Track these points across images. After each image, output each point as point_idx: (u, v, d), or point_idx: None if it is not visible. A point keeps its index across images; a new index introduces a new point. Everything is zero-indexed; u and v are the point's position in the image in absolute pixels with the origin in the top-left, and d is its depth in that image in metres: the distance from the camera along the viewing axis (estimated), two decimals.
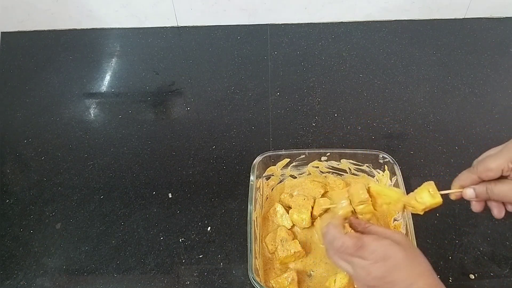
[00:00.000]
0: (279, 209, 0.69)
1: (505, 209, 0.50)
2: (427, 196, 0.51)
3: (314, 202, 0.69)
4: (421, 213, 0.52)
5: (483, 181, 0.49)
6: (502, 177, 0.48)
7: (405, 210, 0.54)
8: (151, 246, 0.69)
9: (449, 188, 0.51)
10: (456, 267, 0.65)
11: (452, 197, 0.51)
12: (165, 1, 1.04)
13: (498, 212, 0.50)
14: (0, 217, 0.74)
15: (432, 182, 0.52)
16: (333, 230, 0.51)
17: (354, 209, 0.54)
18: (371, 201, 0.54)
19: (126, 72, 1.00)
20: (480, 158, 0.50)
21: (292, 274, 0.61)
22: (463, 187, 0.50)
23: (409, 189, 0.72)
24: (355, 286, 0.57)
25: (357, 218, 0.55)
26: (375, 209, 0.54)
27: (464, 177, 0.50)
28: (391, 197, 0.53)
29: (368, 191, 0.54)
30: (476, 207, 0.51)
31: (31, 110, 0.92)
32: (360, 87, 0.93)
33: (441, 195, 0.51)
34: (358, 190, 0.53)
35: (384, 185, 0.61)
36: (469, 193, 0.50)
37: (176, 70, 1.00)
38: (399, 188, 0.65)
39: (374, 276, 0.47)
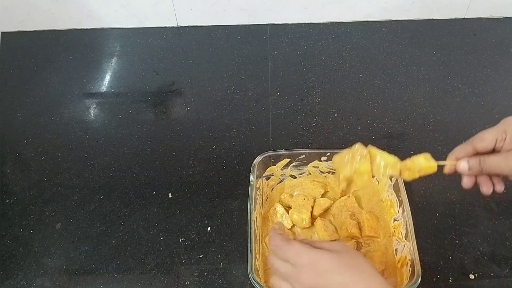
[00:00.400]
0: (279, 209, 0.69)
1: (493, 188, 0.52)
2: (423, 160, 0.53)
3: (314, 202, 0.70)
4: (417, 176, 0.54)
5: (476, 154, 0.51)
6: (494, 151, 0.50)
7: (401, 175, 0.55)
8: (151, 246, 0.69)
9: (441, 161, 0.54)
10: (456, 267, 0.64)
11: (446, 170, 0.53)
12: (165, 1, 1.04)
13: (486, 188, 0.52)
14: (0, 217, 0.74)
15: (427, 153, 0.54)
16: (271, 232, 0.52)
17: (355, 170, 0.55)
18: (369, 159, 0.55)
19: (126, 72, 1.00)
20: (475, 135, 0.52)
21: None
22: (457, 159, 0.52)
23: (409, 189, 0.72)
24: None
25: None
26: (372, 171, 0.55)
27: (459, 149, 0.52)
28: (388, 161, 0.55)
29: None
30: (467, 183, 0.53)
31: (31, 110, 0.92)
32: (360, 87, 0.93)
33: (438, 168, 0.53)
34: (359, 147, 0.55)
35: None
36: (462, 165, 0.51)
37: (176, 70, 1.00)
38: (399, 187, 0.65)
39: (305, 285, 0.45)
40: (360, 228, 0.66)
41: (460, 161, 0.51)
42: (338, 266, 0.45)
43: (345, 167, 0.56)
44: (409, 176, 0.54)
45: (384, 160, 0.54)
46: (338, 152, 0.58)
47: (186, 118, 0.89)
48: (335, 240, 0.65)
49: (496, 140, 0.49)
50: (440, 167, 0.53)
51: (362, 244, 0.66)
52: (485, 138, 0.50)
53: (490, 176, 0.53)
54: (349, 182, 0.57)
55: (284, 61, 1.00)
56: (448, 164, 0.53)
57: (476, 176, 0.53)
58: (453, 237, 0.68)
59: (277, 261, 0.49)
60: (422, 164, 0.53)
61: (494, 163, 0.49)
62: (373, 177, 0.57)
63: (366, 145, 0.56)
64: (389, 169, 0.54)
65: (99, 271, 0.66)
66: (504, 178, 0.52)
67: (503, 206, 0.71)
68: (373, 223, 0.67)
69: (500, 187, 0.53)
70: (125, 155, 0.82)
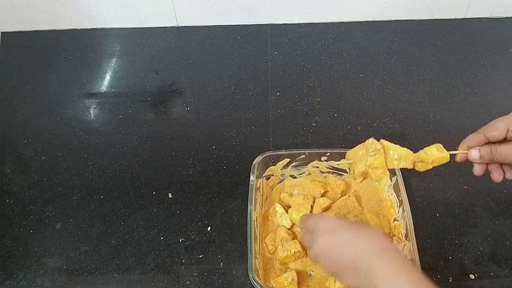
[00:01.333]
0: (278, 208, 0.69)
1: (504, 175, 0.53)
2: (435, 151, 0.54)
3: (314, 201, 0.70)
4: (430, 167, 0.54)
5: (488, 143, 0.51)
6: (506, 140, 0.50)
7: (414, 166, 0.55)
8: (151, 246, 0.69)
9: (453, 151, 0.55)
10: (456, 267, 0.64)
11: (458, 158, 0.54)
12: (165, 1, 1.04)
13: (497, 175, 0.53)
14: (0, 217, 0.74)
15: (439, 144, 0.55)
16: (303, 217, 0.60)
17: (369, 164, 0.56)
18: (383, 153, 0.55)
19: (126, 72, 1.00)
20: (487, 124, 0.52)
21: (292, 274, 0.61)
22: (469, 147, 0.53)
23: (409, 189, 0.72)
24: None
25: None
26: (386, 164, 0.55)
27: (471, 138, 0.53)
28: (401, 153, 0.55)
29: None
30: (478, 170, 0.54)
31: (31, 110, 0.92)
32: (360, 87, 0.93)
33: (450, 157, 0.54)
34: (373, 141, 0.56)
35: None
36: (474, 153, 0.52)
37: (176, 70, 1.00)
38: (399, 187, 0.65)
39: (322, 246, 0.51)
40: None
41: (471, 150, 0.52)
42: (347, 227, 0.52)
43: (359, 162, 0.56)
44: (422, 167, 0.55)
45: (397, 153, 0.55)
46: (351, 149, 0.59)
47: (186, 118, 0.89)
48: None
49: (508, 129, 0.50)
50: (452, 157, 0.54)
51: None
52: (497, 127, 0.50)
53: (501, 164, 0.53)
54: (365, 176, 0.57)
55: (284, 61, 1.00)
56: (460, 153, 0.53)
57: (487, 164, 0.53)
58: (453, 237, 0.68)
59: (305, 233, 0.57)
60: (435, 154, 0.53)
61: (506, 152, 0.50)
62: (388, 169, 0.57)
63: (378, 140, 0.56)
64: (402, 161, 0.55)
65: (99, 271, 0.66)
66: None
67: (503, 206, 0.71)
68: (377, 220, 0.67)
69: (510, 175, 0.53)
70: (125, 155, 0.82)
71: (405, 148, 0.55)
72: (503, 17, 1.09)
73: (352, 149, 0.59)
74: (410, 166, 0.55)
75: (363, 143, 0.58)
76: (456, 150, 0.55)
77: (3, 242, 0.70)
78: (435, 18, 1.08)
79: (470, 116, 0.86)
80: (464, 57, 0.99)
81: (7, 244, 0.70)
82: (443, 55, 1.00)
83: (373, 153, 0.55)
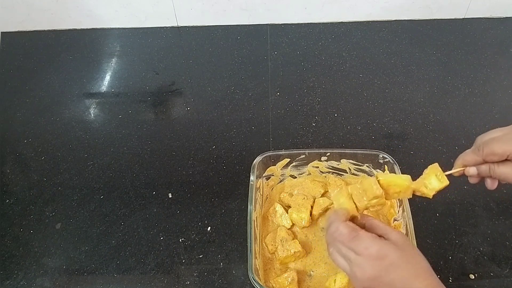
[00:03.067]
0: (278, 208, 0.69)
1: (498, 182, 0.52)
2: (435, 180, 0.53)
3: (314, 201, 0.70)
4: (431, 196, 0.53)
5: (485, 162, 0.51)
6: (505, 161, 0.49)
7: (415, 193, 0.54)
8: (151, 246, 0.69)
9: (451, 170, 0.54)
10: (456, 267, 0.64)
11: (455, 174, 0.54)
12: (165, 1, 1.04)
13: (491, 183, 0.52)
14: (0, 217, 0.74)
15: (436, 165, 0.53)
16: (333, 216, 0.51)
17: (357, 207, 0.53)
18: (383, 193, 0.53)
19: (126, 72, 1.00)
20: (484, 138, 0.51)
21: (292, 274, 0.61)
22: (465, 166, 0.52)
23: None
24: (353, 286, 0.57)
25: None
26: (386, 200, 0.54)
27: (469, 157, 0.52)
28: (401, 186, 0.53)
29: (379, 183, 0.54)
30: (474, 180, 0.53)
31: (31, 110, 0.92)
32: (360, 87, 0.93)
33: (447, 176, 0.53)
34: (372, 185, 0.52)
35: (391, 174, 0.61)
36: (472, 171, 0.52)
37: (176, 70, 1.00)
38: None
39: (369, 275, 0.46)
40: None
41: (469, 168, 0.52)
42: (403, 261, 0.47)
43: (358, 202, 0.53)
44: (422, 195, 0.54)
45: (397, 187, 0.53)
46: (336, 192, 0.55)
47: (186, 118, 0.89)
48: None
49: (508, 155, 0.48)
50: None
51: None
52: (496, 153, 0.49)
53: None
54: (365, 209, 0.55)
55: (284, 61, 1.00)
56: (458, 171, 0.53)
57: None
58: (453, 237, 0.68)
59: (336, 248, 0.50)
60: (436, 186, 0.52)
61: (504, 174, 0.50)
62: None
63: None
64: (402, 195, 0.54)
65: (99, 271, 0.66)
66: None
67: (503, 206, 0.71)
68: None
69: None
70: (125, 155, 0.82)
71: (404, 178, 0.53)
72: (503, 17, 1.09)
73: (337, 192, 0.55)
74: (409, 196, 0.54)
75: (351, 186, 0.54)
76: (453, 168, 0.53)
77: (3, 242, 0.70)
78: (435, 18, 1.08)
79: (470, 116, 0.86)
80: (464, 57, 0.99)
81: (7, 244, 0.70)
82: (443, 55, 1.00)
83: (373, 198, 0.52)
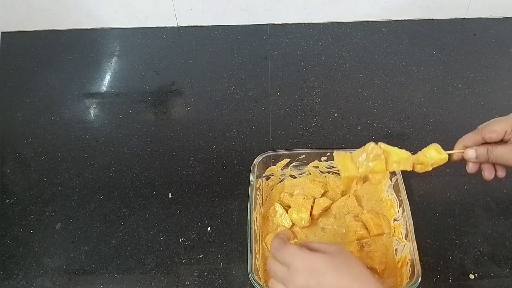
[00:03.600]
0: (278, 208, 0.69)
1: (495, 173, 0.54)
2: (434, 152, 0.54)
3: (314, 201, 0.70)
4: (430, 168, 0.54)
5: (484, 143, 0.52)
6: (502, 142, 0.51)
7: (413, 169, 0.55)
8: (151, 246, 0.69)
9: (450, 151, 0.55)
10: (456, 267, 0.64)
11: (454, 157, 0.54)
12: (165, 1, 1.04)
13: (488, 174, 0.54)
14: (0, 217, 0.74)
15: (436, 144, 0.55)
16: (274, 236, 0.52)
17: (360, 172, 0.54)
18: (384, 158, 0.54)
19: (126, 72, 1.00)
20: (485, 123, 0.52)
21: None
22: (465, 147, 0.53)
23: (409, 189, 0.72)
24: None
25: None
26: (386, 168, 0.55)
27: (468, 138, 0.53)
28: (401, 156, 0.54)
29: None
30: (471, 168, 0.54)
31: (31, 110, 0.92)
32: (360, 87, 0.93)
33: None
34: (373, 146, 0.55)
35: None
36: (470, 153, 0.53)
37: (176, 70, 1.00)
38: (399, 187, 0.65)
39: (299, 285, 0.45)
40: (367, 228, 0.66)
41: (468, 149, 0.53)
42: (331, 268, 0.46)
43: (360, 167, 0.55)
44: (421, 169, 0.55)
45: (397, 156, 0.54)
46: (340, 153, 0.57)
47: (186, 118, 0.89)
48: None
49: (506, 132, 0.50)
50: (449, 156, 0.54)
51: (364, 244, 0.65)
52: (495, 129, 0.50)
53: (495, 164, 0.54)
54: (365, 180, 0.56)
55: (284, 61, 1.00)
56: (457, 152, 0.54)
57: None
58: (453, 237, 0.68)
59: (274, 264, 0.50)
60: (434, 156, 0.54)
61: (502, 154, 0.51)
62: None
63: (376, 142, 0.56)
64: (402, 165, 0.54)
65: (99, 271, 0.66)
66: (508, 167, 0.53)
67: (503, 206, 0.71)
68: (377, 220, 0.67)
69: (501, 173, 0.54)
70: (125, 155, 0.82)
71: (404, 150, 0.55)
72: (503, 17, 1.09)
73: (343, 154, 0.57)
74: (409, 168, 0.55)
75: (353, 150, 0.56)
76: (453, 149, 0.55)
77: (3, 242, 0.70)
78: (435, 18, 1.08)
79: (470, 116, 0.86)
80: (464, 57, 0.99)
81: (7, 244, 0.70)
82: (443, 55, 1.00)
83: (373, 158, 0.54)
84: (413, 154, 0.55)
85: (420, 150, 0.55)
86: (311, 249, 0.49)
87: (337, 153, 0.57)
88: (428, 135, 0.83)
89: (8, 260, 0.68)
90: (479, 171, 0.55)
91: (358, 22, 1.09)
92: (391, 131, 0.84)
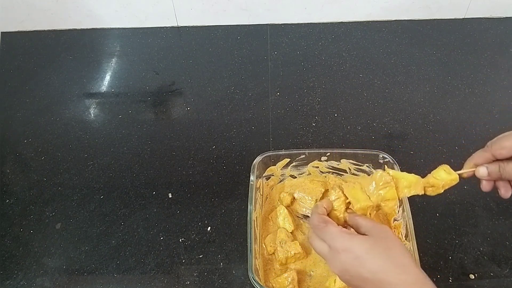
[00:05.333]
0: (282, 211, 0.69)
1: None
2: (444, 173, 0.53)
3: (315, 202, 0.69)
4: (441, 191, 0.53)
5: (495, 160, 0.50)
6: None
7: (425, 192, 0.54)
8: (151, 246, 0.69)
9: (460, 170, 0.53)
10: (456, 267, 0.65)
11: (464, 175, 0.53)
12: (165, 1, 1.04)
13: (505, 191, 0.51)
14: (0, 217, 0.74)
15: (446, 165, 0.53)
16: (313, 209, 0.52)
17: (371, 201, 0.53)
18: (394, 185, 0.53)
19: (126, 72, 1.00)
20: (494, 139, 0.51)
21: (292, 274, 0.61)
22: (476, 165, 0.52)
23: None
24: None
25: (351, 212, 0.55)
26: (397, 195, 0.54)
27: (478, 155, 0.51)
28: (411, 180, 0.53)
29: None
30: (486, 186, 0.52)
31: (31, 110, 0.92)
32: (360, 87, 0.93)
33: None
34: (382, 174, 0.54)
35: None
36: (481, 171, 0.51)
37: (176, 70, 1.00)
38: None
39: (338, 269, 0.46)
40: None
41: (479, 168, 0.51)
42: (371, 255, 0.45)
43: (371, 196, 0.54)
44: (433, 191, 0.53)
45: (407, 181, 0.53)
46: (349, 185, 0.55)
47: (186, 118, 0.89)
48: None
49: None
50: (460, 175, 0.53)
51: None
52: (505, 146, 0.48)
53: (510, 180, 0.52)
54: (378, 209, 0.56)
55: (284, 61, 1.00)
56: (467, 172, 0.52)
57: (495, 180, 0.52)
58: (453, 237, 0.68)
59: (315, 240, 0.50)
60: (444, 178, 0.52)
61: None
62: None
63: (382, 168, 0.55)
64: (413, 189, 0.53)
65: (99, 271, 0.66)
66: None
67: (503, 206, 0.71)
68: (377, 220, 0.66)
69: None
70: (125, 155, 0.82)
71: (413, 175, 0.54)
72: (503, 17, 1.09)
73: (352, 186, 0.55)
74: (421, 192, 0.54)
75: (360, 177, 0.55)
76: (463, 167, 0.53)
77: (3, 242, 0.70)
78: (435, 18, 1.08)
79: (470, 116, 0.86)
80: (464, 57, 0.99)
81: (7, 244, 0.70)
82: (443, 55, 1.00)
83: (383, 186, 0.53)
84: (422, 176, 0.54)
85: (430, 173, 0.54)
86: (356, 226, 0.50)
87: (346, 186, 0.55)
88: (428, 135, 0.83)
89: (8, 260, 0.68)
90: (494, 189, 0.52)
91: (358, 22, 1.09)
92: (391, 131, 0.84)
